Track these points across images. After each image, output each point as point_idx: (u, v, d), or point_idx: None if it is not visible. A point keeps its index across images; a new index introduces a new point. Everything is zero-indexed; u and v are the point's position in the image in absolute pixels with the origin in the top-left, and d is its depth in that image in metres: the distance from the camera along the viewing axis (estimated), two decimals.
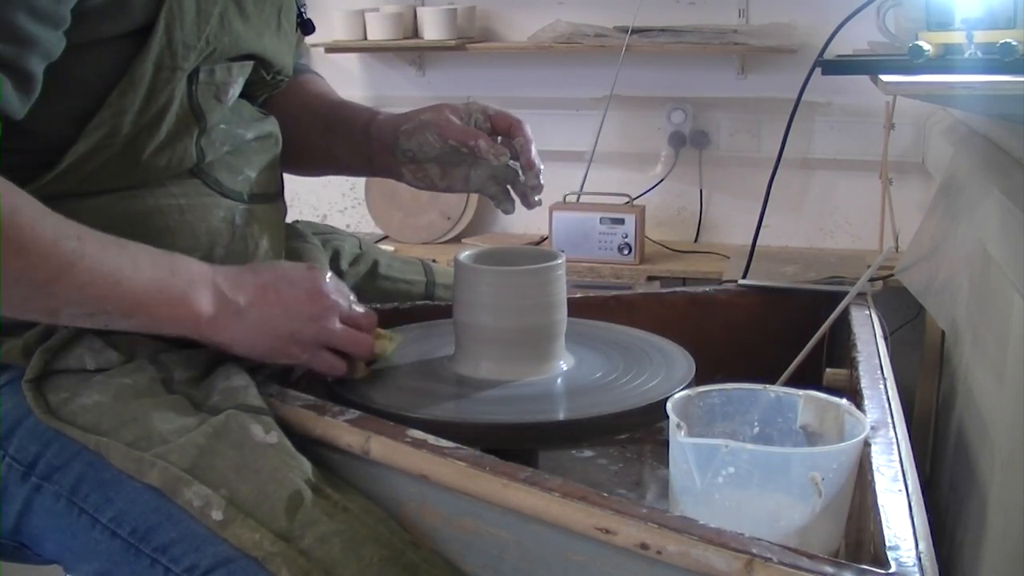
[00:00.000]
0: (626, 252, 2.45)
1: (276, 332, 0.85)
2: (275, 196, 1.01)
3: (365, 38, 2.71)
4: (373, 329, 0.91)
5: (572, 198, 2.53)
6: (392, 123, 1.06)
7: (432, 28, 2.64)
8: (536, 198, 1.02)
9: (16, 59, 0.74)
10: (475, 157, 0.99)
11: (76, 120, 0.82)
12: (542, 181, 1.01)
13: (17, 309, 0.78)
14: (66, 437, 0.80)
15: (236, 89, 0.93)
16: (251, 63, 0.93)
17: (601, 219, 2.45)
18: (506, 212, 1.08)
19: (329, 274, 0.90)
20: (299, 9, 1.03)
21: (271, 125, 1.01)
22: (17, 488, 0.81)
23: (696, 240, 2.72)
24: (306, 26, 1.05)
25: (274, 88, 1.02)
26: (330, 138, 1.11)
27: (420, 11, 2.70)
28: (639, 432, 1.05)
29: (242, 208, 0.94)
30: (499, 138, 1.01)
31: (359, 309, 0.90)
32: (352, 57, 2.88)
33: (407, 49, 2.77)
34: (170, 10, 0.82)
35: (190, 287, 0.82)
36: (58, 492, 0.79)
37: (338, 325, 0.87)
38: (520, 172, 1.02)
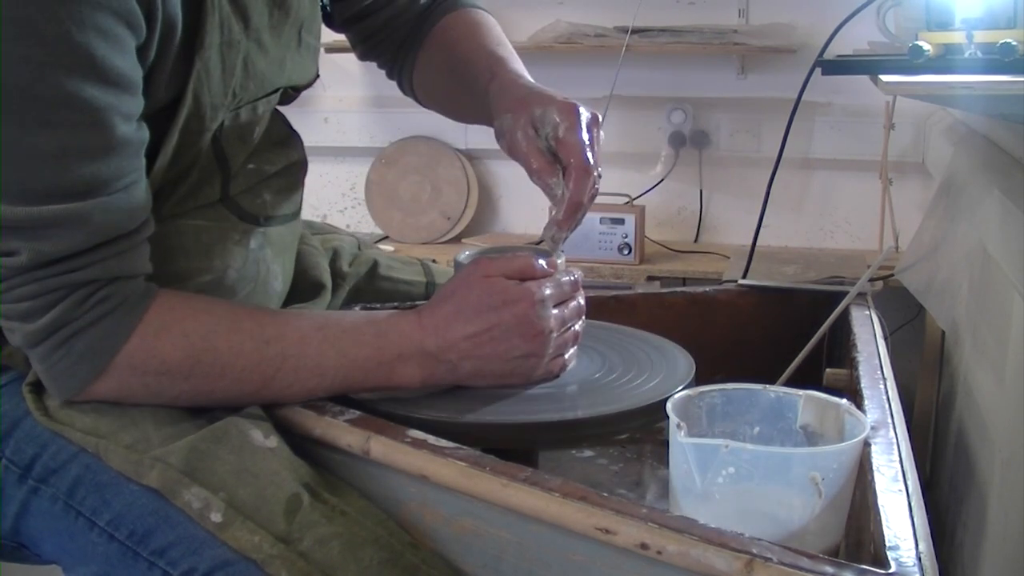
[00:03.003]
0: (626, 252, 2.45)
1: (497, 373, 0.87)
2: (292, 216, 1.00)
3: None
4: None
5: None
6: (494, 107, 0.97)
7: None
8: (558, 248, 0.91)
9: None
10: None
11: None
12: (565, 236, 0.90)
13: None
14: (63, 439, 0.79)
15: (263, 125, 0.92)
16: (277, 94, 0.92)
17: (601, 219, 2.44)
18: None
19: (542, 294, 0.85)
20: (323, 3, 1.00)
21: (297, 152, 1.00)
22: (14, 490, 0.81)
23: (696, 240, 2.72)
24: (328, 18, 1.03)
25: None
26: (455, 94, 1.10)
27: None
28: (639, 432, 1.05)
29: (259, 232, 0.93)
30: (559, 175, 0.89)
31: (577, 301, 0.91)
32: (352, 57, 2.86)
33: None
34: (198, 78, 0.81)
35: (397, 363, 0.84)
36: (55, 495, 0.79)
37: (567, 338, 0.89)
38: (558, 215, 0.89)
